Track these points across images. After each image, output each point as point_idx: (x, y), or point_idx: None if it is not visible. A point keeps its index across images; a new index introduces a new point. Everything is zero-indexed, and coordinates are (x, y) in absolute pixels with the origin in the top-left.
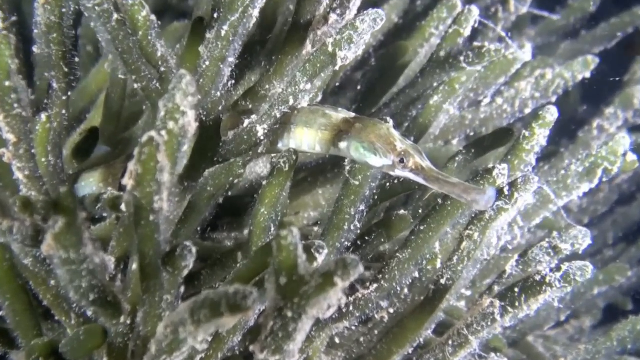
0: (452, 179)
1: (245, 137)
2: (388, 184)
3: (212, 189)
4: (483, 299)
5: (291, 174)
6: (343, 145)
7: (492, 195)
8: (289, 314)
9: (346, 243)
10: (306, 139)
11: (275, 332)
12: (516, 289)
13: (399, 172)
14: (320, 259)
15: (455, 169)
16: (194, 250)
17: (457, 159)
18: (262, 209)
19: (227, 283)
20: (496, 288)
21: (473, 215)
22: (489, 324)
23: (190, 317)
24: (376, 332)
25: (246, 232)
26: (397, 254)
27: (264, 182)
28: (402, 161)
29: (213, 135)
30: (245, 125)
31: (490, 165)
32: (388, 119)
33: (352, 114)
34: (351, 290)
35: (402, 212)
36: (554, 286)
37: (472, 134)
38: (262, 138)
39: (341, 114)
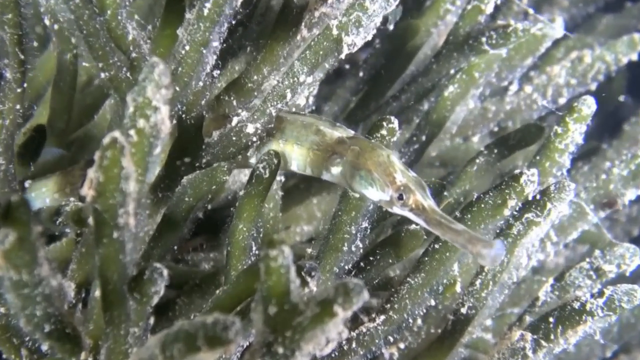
0: (456, 225)
1: (234, 137)
2: None
3: (192, 199)
4: (512, 332)
5: (272, 182)
6: (335, 170)
7: (501, 250)
8: (280, 350)
9: (346, 267)
10: (296, 158)
11: None
12: (551, 319)
13: (397, 210)
14: (312, 283)
15: (475, 173)
16: (165, 273)
17: (477, 161)
18: (240, 225)
19: (204, 313)
20: (527, 318)
21: (498, 231)
22: None
23: (161, 353)
24: None
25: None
26: (409, 279)
27: (241, 193)
28: (401, 197)
29: (193, 136)
30: (233, 123)
31: (518, 172)
32: (392, 118)
33: (350, 132)
34: (354, 322)
35: (413, 227)
36: (595, 315)
37: (496, 128)
38: (254, 139)
39: (337, 132)
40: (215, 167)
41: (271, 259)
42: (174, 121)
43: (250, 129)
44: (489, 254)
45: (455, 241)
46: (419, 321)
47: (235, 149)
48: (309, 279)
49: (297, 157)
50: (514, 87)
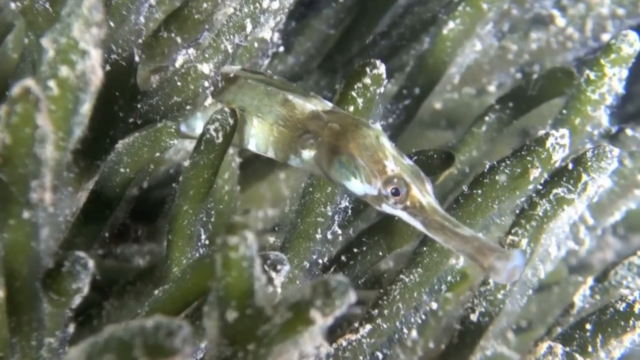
0: (463, 229)
1: (180, 83)
2: None
3: (128, 170)
4: (538, 345)
5: (227, 148)
6: (307, 154)
7: (520, 263)
8: None
9: (320, 260)
10: (255, 135)
11: None
12: (588, 326)
13: (387, 209)
14: (278, 280)
15: (484, 135)
16: (90, 264)
17: (487, 119)
18: (184, 206)
19: (141, 317)
20: (560, 329)
21: (519, 212)
22: None
23: None
24: None
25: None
26: (402, 276)
27: (186, 164)
28: (393, 192)
29: (128, 85)
30: (178, 64)
31: (542, 133)
32: (378, 62)
33: (328, 104)
34: (330, 334)
35: None
36: None
37: (518, 74)
38: (206, 84)
39: (310, 104)
40: (159, 128)
41: (230, 249)
42: (106, 68)
43: (202, 69)
44: (504, 268)
45: (462, 251)
46: (415, 333)
47: (182, 99)
48: (273, 275)
49: (258, 133)
50: (543, 14)
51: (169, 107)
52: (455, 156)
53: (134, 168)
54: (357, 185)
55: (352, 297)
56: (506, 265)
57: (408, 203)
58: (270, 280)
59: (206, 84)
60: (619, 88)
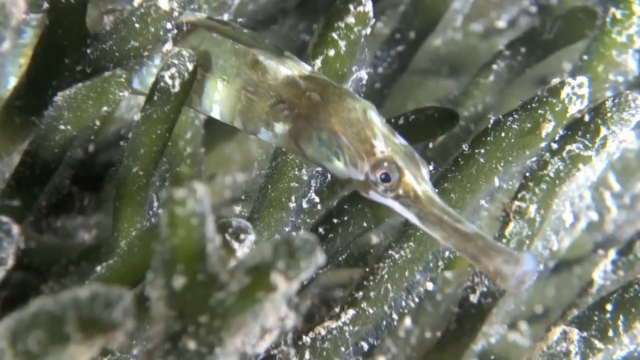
0: (465, 224)
1: (138, 24)
2: None
3: (69, 127)
4: (552, 329)
5: (184, 99)
6: (281, 128)
7: (531, 268)
8: (191, 346)
9: (295, 232)
10: (219, 101)
11: None
12: (609, 306)
13: (375, 196)
14: (241, 251)
15: (490, 86)
16: (14, 230)
17: (495, 67)
18: (134, 167)
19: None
20: (576, 312)
21: (527, 174)
22: None
23: (10, 347)
24: None
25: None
26: (391, 252)
27: (137, 117)
28: (383, 178)
29: (75, 27)
30: (137, 2)
31: (557, 81)
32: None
33: (306, 67)
34: (308, 321)
35: None
36: None
37: (533, 7)
38: (169, 27)
39: (284, 67)
40: (107, 77)
41: (176, 203)
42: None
43: (163, 8)
44: (512, 274)
45: (463, 250)
46: (408, 321)
47: (140, 43)
48: (236, 245)
49: (222, 99)
50: None
51: (125, 54)
52: (458, 112)
53: (76, 125)
54: (339, 168)
55: (320, 257)
56: (515, 270)
57: (400, 191)
58: (232, 251)
59: (169, 25)
60: None
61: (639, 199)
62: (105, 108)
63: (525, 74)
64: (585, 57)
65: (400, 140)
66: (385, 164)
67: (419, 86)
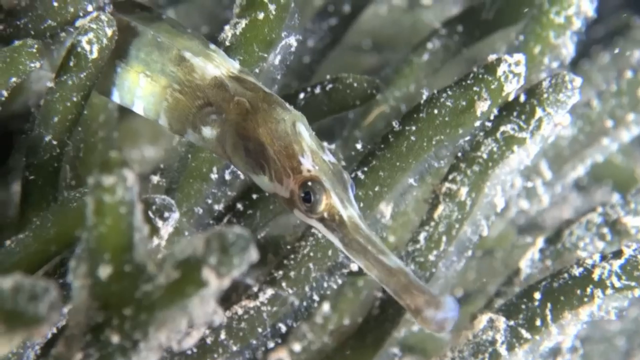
0: (389, 257)
1: (57, 2)
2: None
3: None
4: (477, 317)
5: (102, 66)
6: (208, 132)
7: (452, 314)
8: (114, 339)
9: (216, 207)
10: (143, 97)
11: None
12: (537, 295)
13: (299, 216)
14: (164, 230)
15: (425, 66)
16: None
17: (429, 46)
18: (46, 137)
19: None
20: (502, 300)
21: (460, 155)
22: None
23: None
24: None
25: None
26: (312, 230)
27: (50, 84)
28: (306, 199)
29: None
30: None
31: (493, 57)
32: None
33: (234, 65)
34: (224, 301)
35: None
36: (607, 286)
37: None
38: (90, 9)
39: (211, 66)
40: (17, 46)
41: (105, 191)
42: None
43: None
44: (432, 318)
45: (386, 284)
46: (326, 306)
47: (57, 23)
48: (159, 224)
49: (146, 95)
50: None
51: (40, 32)
52: (388, 90)
53: None
54: (264, 182)
55: (253, 254)
56: (435, 315)
57: (325, 214)
58: (155, 231)
59: (89, 8)
60: (590, 10)
61: (569, 187)
62: (14, 79)
63: (462, 54)
64: (521, 37)
65: (329, 157)
66: (310, 184)
67: (351, 63)
